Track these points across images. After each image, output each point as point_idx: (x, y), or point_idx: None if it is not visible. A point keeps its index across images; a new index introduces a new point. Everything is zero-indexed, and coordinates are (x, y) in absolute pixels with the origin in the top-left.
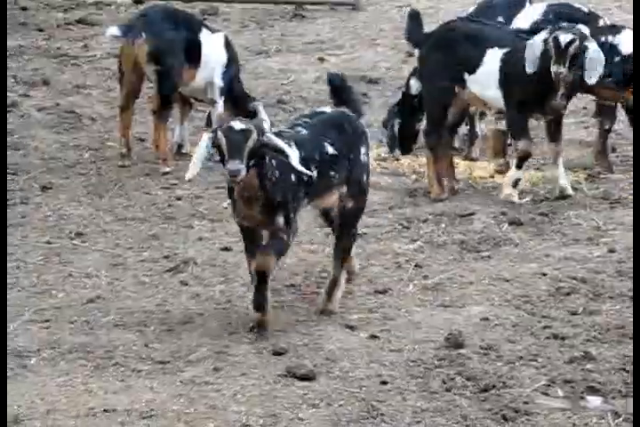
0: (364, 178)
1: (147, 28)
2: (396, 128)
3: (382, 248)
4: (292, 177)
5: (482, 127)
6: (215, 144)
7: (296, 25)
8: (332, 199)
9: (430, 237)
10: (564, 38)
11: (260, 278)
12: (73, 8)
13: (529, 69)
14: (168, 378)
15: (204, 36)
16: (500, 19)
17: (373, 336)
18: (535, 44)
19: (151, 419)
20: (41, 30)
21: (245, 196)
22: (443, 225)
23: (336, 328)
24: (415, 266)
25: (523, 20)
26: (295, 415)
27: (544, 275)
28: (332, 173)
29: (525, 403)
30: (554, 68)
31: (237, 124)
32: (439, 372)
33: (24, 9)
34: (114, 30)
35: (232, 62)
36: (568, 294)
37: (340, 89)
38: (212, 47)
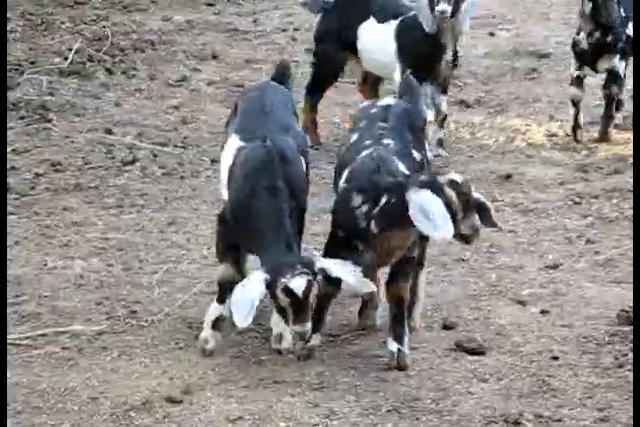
0: None
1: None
2: None
3: (553, 224)
4: None
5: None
6: None
7: None
8: None
9: (601, 212)
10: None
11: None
12: None
13: None
14: (338, 351)
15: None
16: None
17: (544, 311)
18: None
19: (321, 391)
20: (210, 5)
21: None
22: (614, 201)
23: (506, 303)
24: (586, 241)
25: None
26: (465, 390)
27: None
28: None
29: None
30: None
31: None
32: (611, 348)
33: None
34: None
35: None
36: None
37: None
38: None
